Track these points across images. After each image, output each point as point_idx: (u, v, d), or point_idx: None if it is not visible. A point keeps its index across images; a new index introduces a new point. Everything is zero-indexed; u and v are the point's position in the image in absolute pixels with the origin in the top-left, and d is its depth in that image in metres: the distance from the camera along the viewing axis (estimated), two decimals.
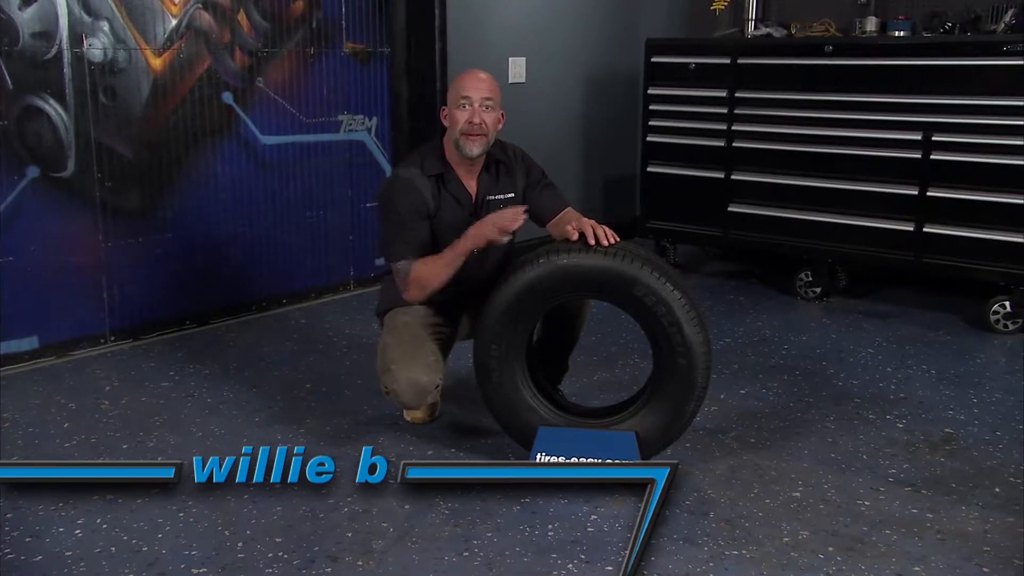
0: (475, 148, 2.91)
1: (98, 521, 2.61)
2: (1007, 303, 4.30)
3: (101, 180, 3.94)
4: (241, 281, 4.51)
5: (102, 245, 3.99)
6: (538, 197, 3.07)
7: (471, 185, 3.01)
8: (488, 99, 2.90)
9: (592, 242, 2.73)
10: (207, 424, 3.27)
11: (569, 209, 3.05)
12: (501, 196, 3.03)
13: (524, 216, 2.84)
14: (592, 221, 2.80)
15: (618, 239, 2.76)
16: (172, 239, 4.21)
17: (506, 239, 2.82)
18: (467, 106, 2.89)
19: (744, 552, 2.46)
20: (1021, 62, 4.10)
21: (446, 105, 2.98)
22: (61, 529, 2.57)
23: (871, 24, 4.93)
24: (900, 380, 3.72)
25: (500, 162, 3.04)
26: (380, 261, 5.06)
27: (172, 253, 4.23)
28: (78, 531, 2.56)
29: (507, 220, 2.81)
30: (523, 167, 3.08)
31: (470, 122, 2.88)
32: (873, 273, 5.06)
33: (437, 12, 4.89)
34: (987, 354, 4.08)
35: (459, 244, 2.85)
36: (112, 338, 4.07)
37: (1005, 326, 4.31)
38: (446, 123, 2.97)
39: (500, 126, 2.99)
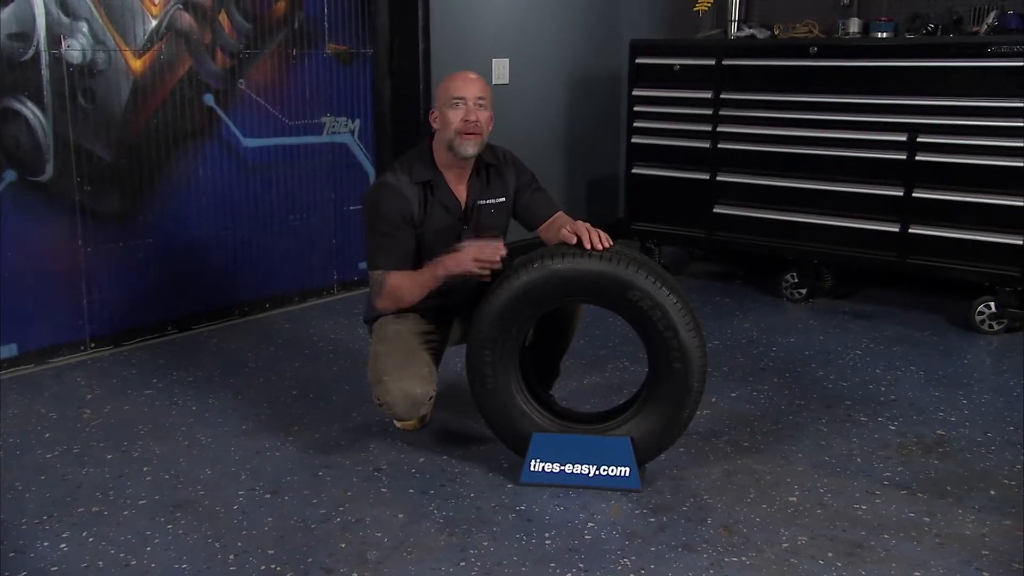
0: (471, 147, 2.86)
1: (84, 534, 2.54)
2: (992, 303, 4.32)
3: (80, 184, 3.86)
4: (223, 286, 4.44)
5: (81, 250, 3.91)
6: (529, 201, 3.04)
7: (461, 190, 2.97)
8: (481, 98, 2.87)
9: (588, 245, 2.71)
10: (193, 432, 3.21)
11: (560, 213, 3.02)
12: (492, 200, 3.00)
13: (504, 252, 2.74)
14: (586, 224, 2.78)
15: (612, 242, 2.73)
16: (153, 243, 4.14)
17: (486, 274, 2.73)
18: (461, 105, 2.85)
19: (744, 559, 2.43)
20: (1006, 64, 4.11)
21: (434, 109, 2.93)
22: (46, 543, 2.50)
23: (854, 25, 4.93)
24: (889, 381, 3.72)
25: (490, 166, 3.00)
26: (364, 265, 5.01)
27: (153, 257, 4.15)
28: (63, 545, 2.50)
29: (488, 253, 2.71)
30: (513, 171, 3.04)
31: (465, 120, 2.83)
32: (857, 274, 5.07)
33: (420, 13, 4.85)
34: (973, 355, 4.09)
35: (436, 268, 2.80)
36: (92, 345, 4.00)
37: (990, 326, 4.33)
38: (436, 126, 2.92)
39: (490, 127, 2.96)
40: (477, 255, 2.72)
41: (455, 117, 2.84)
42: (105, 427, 3.25)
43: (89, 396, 3.54)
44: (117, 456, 3.03)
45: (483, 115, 2.87)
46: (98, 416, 3.35)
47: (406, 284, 2.85)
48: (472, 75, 2.92)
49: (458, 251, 2.76)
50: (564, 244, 2.75)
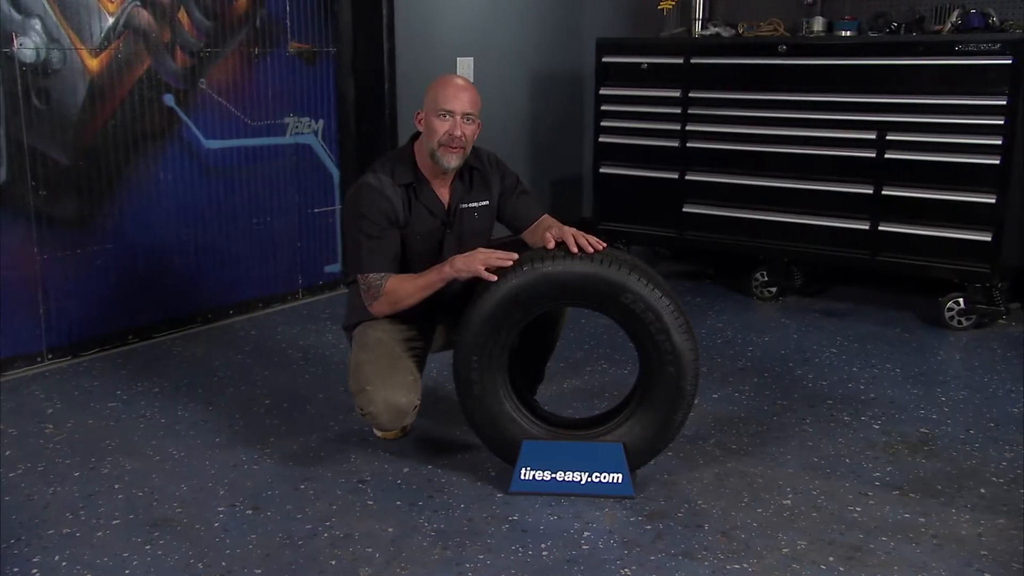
0: (453, 161, 2.80)
1: (56, 558, 2.41)
2: (961, 300, 4.35)
3: (35, 188, 3.70)
4: (185, 292, 4.29)
5: (37, 257, 3.74)
6: (514, 204, 2.97)
7: (444, 193, 2.89)
8: (469, 114, 2.79)
9: (574, 250, 2.64)
10: (164, 447, 3.08)
11: (546, 216, 2.96)
12: (475, 204, 2.92)
13: (512, 261, 2.65)
14: (573, 229, 2.71)
15: (604, 245, 2.67)
16: (112, 249, 3.98)
17: (494, 278, 2.62)
18: (448, 118, 2.76)
19: (746, 566, 2.39)
20: (974, 61, 4.14)
21: (421, 110, 2.85)
22: (16, 569, 2.37)
23: (818, 24, 4.93)
24: (868, 380, 3.72)
25: (474, 169, 2.93)
26: (331, 268, 4.90)
27: (112, 264, 4.00)
28: (35, 570, 2.36)
29: (498, 259, 2.63)
30: (498, 174, 2.98)
31: (450, 134, 2.75)
32: (827, 272, 5.08)
33: (384, 11, 4.75)
34: (946, 351, 4.11)
35: (442, 270, 2.70)
36: (49, 356, 3.83)
37: (960, 323, 4.36)
38: (420, 127, 2.84)
39: (476, 136, 2.88)
40: (489, 259, 2.63)
41: (440, 128, 2.76)
42: (70, 443, 3.11)
43: (50, 410, 3.38)
44: (85, 473, 2.89)
45: (469, 129, 2.79)
46: (61, 431, 3.19)
47: (408, 286, 2.74)
48: (463, 84, 2.83)
49: (471, 254, 2.67)
50: (556, 247, 2.68)
